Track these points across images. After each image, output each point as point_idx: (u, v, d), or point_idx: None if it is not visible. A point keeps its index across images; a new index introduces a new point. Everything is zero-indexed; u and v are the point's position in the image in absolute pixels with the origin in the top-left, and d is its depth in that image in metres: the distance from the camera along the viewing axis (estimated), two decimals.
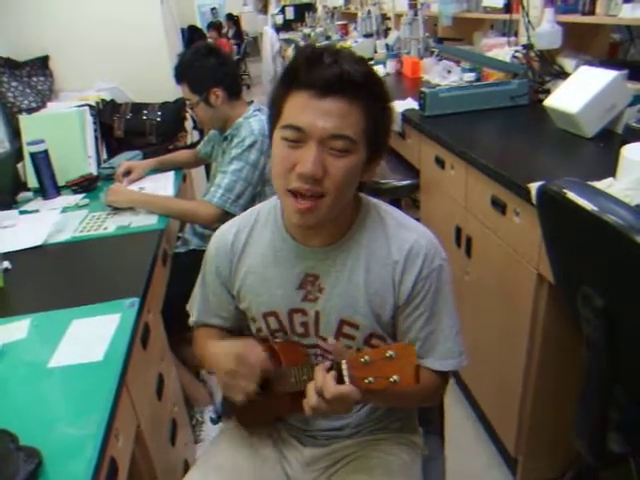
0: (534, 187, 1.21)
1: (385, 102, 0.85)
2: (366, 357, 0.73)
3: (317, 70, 0.77)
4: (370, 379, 0.73)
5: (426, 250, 0.90)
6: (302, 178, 0.79)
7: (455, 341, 0.94)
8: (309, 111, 0.78)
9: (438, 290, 0.91)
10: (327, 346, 0.84)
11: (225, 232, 1.00)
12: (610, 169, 1.24)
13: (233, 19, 10.31)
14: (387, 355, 0.72)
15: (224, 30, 8.09)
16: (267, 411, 1.00)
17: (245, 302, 1.00)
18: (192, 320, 1.08)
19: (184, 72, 1.76)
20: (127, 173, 1.98)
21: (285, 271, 0.94)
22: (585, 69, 1.68)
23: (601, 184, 1.19)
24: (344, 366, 0.75)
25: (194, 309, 1.08)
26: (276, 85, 0.84)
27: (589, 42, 2.12)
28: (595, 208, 0.83)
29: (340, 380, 0.75)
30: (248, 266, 0.98)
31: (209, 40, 6.16)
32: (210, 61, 1.73)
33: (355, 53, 0.84)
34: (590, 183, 1.09)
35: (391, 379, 0.71)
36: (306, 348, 0.97)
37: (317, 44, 0.83)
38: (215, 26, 5.89)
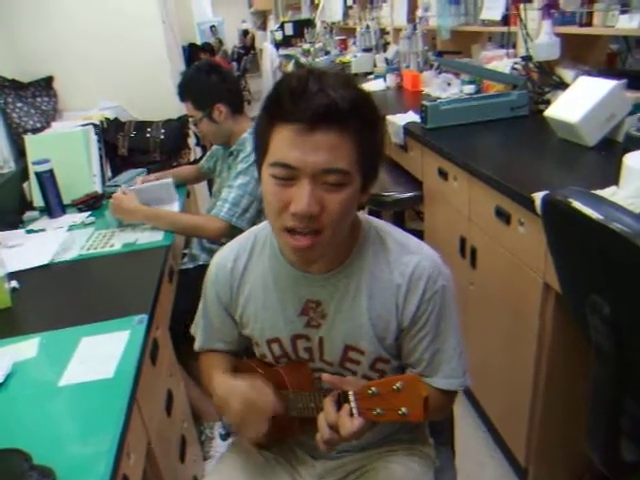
0: (538, 197, 1.22)
1: (376, 127, 0.80)
2: (373, 389, 0.73)
3: (303, 102, 0.72)
4: (378, 411, 0.72)
5: (429, 272, 0.88)
6: (297, 217, 0.75)
7: (459, 361, 0.93)
8: (298, 147, 0.73)
9: (442, 311, 0.90)
10: (325, 380, 0.81)
11: (224, 258, 0.98)
12: (612, 178, 1.25)
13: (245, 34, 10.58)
14: (395, 388, 0.71)
15: (219, 50, 8.21)
16: (276, 432, 1.00)
17: (247, 329, 0.99)
18: (197, 346, 1.08)
19: (187, 90, 1.79)
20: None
21: (286, 297, 0.93)
22: (584, 79, 1.70)
23: (604, 193, 1.20)
24: (351, 397, 0.75)
25: (198, 334, 1.07)
26: (260, 117, 0.79)
27: (587, 53, 2.14)
28: (601, 216, 0.83)
29: (348, 411, 0.75)
30: (248, 292, 0.96)
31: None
32: (212, 78, 1.77)
33: (342, 74, 0.80)
34: (594, 192, 1.10)
35: (399, 412, 0.71)
36: (313, 378, 0.96)
37: (301, 66, 0.75)
38: (208, 48, 6.00)
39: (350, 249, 0.90)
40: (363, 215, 0.94)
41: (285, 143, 0.74)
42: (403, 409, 0.70)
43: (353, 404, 0.74)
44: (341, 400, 0.76)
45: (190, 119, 1.88)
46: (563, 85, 1.97)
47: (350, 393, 0.75)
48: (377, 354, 0.92)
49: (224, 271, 0.97)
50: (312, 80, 0.73)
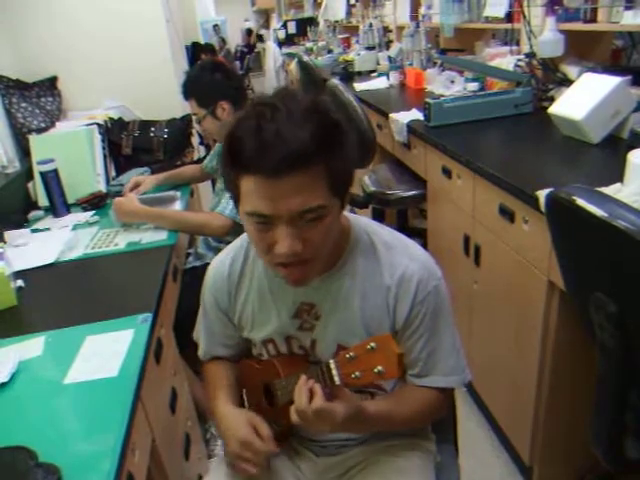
0: (542, 194, 1.21)
1: (343, 148, 0.77)
2: (351, 353, 0.74)
3: (262, 156, 0.70)
4: (357, 374, 0.74)
5: (419, 275, 0.89)
6: (283, 257, 0.78)
7: (457, 357, 0.94)
8: (267, 196, 0.73)
9: (436, 311, 0.91)
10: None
11: (220, 264, 1.00)
12: (617, 175, 1.25)
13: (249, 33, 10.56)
14: (369, 347, 0.72)
15: (222, 49, 8.22)
16: (275, 423, 1.01)
17: (245, 331, 1.01)
18: (200, 353, 1.09)
19: (191, 88, 1.80)
20: (135, 187, 2.00)
21: (280, 299, 0.94)
22: (588, 76, 1.69)
23: (609, 190, 1.19)
24: (332, 365, 0.76)
25: (200, 340, 1.08)
26: (224, 165, 0.79)
27: (592, 49, 2.13)
28: (605, 214, 0.83)
29: (330, 380, 0.76)
30: (245, 296, 0.98)
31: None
32: (216, 76, 1.78)
33: (296, 105, 0.74)
34: (598, 189, 1.10)
35: (375, 370, 0.72)
36: (307, 361, 0.97)
37: (251, 108, 0.70)
38: (209, 49, 6.01)
39: (341, 252, 0.91)
40: (352, 217, 0.94)
41: (254, 193, 0.74)
42: (379, 367, 0.71)
43: (335, 372, 0.76)
44: (324, 371, 0.78)
45: (194, 117, 1.88)
46: (567, 82, 1.97)
47: (331, 361, 0.76)
48: None
49: (221, 277, 0.99)
50: (267, 128, 0.71)
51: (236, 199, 0.80)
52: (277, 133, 0.70)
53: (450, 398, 0.98)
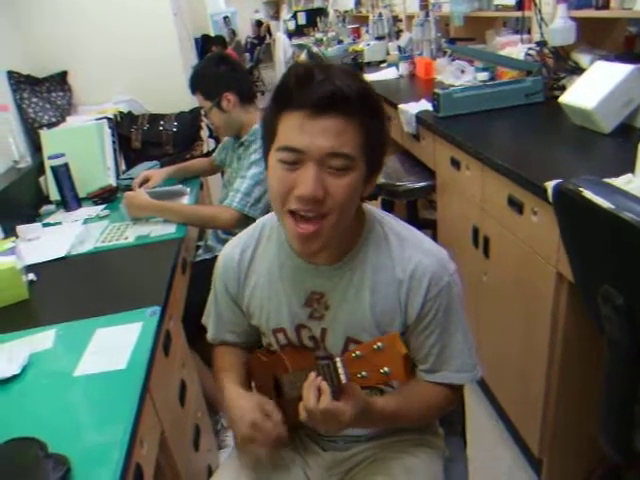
0: (550, 186, 1.20)
1: (381, 117, 0.82)
2: (357, 352, 0.74)
3: (309, 89, 0.75)
4: (363, 373, 0.73)
5: (432, 270, 0.88)
6: (302, 200, 0.77)
7: (469, 354, 0.93)
8: (304, 131, 0.75)
9: (449, 306, 0.90)
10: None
11: (231, 250, 1.00)
12: (629, 165, 1.22)
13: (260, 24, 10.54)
14: (375, 347, 0.72)
15: (233, 41, 8.20)
16: (284, 419, 1.01)
17: (254, 319, 1.01)
18: (209, 337, 1.10)
19: (198, 81, 1.81)
20: (144, 182, 2.01)
21: (290, 287, 0.94)
22: (601, 64, 1.66)
23: (620, 180, 1.17)
24: (339, 364, 0.75)
25: (209, 325, 1.09)
26: (268, 106, 0.82)
27: (604, 36, 2.09)
28: (612, 206, 0.82)
29: (337, 379, 0.76)
30: (254, 283, 0.98)
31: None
32: (221, 68, 1.79)
33: (348, 68, 0.82)
34: (608, 180, 1.08)
35: (381, 371, 0.71)
36: (315, 357, 0.96)
37: (314, 55, 0.78)
38: (219, 41, 5.99)
39: (355, 241, 0.90)
40: (367, 207, 0.94)
41: (292, 128, 0.77)
42: (385, 368, 0.71)
43: (341, 370, 0.75)
44: (330, 369, 0.77)
45: (201, 110, 1.89)
46: (579, 70, 1.93)
47: (338, 360, 0.76)
48: None
49: (231, 263, 0.99)
50: (318, 70, 0.76)
51: (270, 140, 0.81)
52: (327, 76, 0.75)
53: (460, 394, 0.97)
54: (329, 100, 0.74)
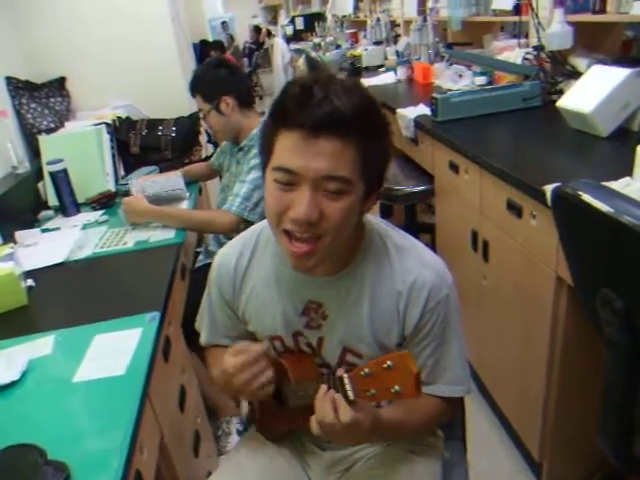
0: (549, 190, 1.20)
1: (381, 133, 0.80)
2: (366, 370, 0.72)
3: (307, 109, 0.72)
4: (372, 391, 0.72)
5: (431, 282, 0.87)
6: (296, 223, 0.76)
7: (463, 367, 0.93)
8: (301, 153, 0.74)
9: (446, 318, 0.90)
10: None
11: (227, 255, 0.99)
12: (627, 168, 1.23)
13: (258, 30, 10.55)
14: (385, 366, 0.71)
15: (231, 46, 8.22)
16: (284, 423, 1.01)
17: (251, 325, 1.00)
18: (203, 341, 1.08)
19: (196, 84, 1.83)
20: None
21: (287, 296, 0.93)
22: (598, 68, 1.66)
23: (618, 184, 1.18)
24: (346, 380, 0.74)
25: (203, 328, 1.07)
26: (266, 122, 0.81)
27: (601, 41, 2.10)
28: (611, 210, 0.82)
29: (344, 395, 0.74)
30: (250, 290, 0.97)
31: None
32: (221, 71, 1.81)
33: (349, 80, 0.80)
34: (607, 183, 1.09)
35: (392, 390, 0.70)
36: (317, 364, 0.96)
37: (307, 75, 0.74)
38: (217, 46, 6.00)
39: (354, 253, 0.90)
40: (366, 217, 0.92)
41: (288, 149, 0.75)
42: (396, 387, 0.70)
43: (348, 387, 0.74)
44: (336, 385, 0.76)
45: (200, 113, 1.90)
46: (576, 74, 1.94)
47: (344, 376, 0.75)
48: None
49: (227, 269, 0.98)
50: (317, 87, 0.74)
51: (267, 157, 0.80)
52: (325, 95, 0.73)
53: (454, 407, 0.97)
54: (327, 121, 0.72)
